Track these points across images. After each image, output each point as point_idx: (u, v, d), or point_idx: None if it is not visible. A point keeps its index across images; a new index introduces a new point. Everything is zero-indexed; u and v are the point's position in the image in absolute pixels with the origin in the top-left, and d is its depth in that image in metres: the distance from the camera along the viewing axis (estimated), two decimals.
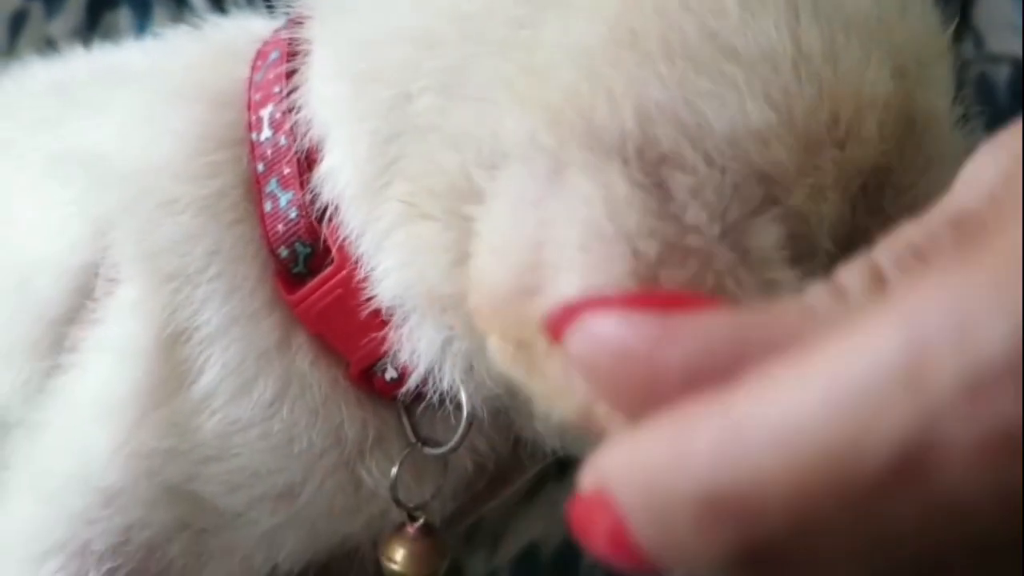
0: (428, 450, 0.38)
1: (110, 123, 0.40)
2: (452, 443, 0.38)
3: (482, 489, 0.42)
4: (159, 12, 0.67)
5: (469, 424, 0.37)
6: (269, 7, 0.59)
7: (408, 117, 0.33)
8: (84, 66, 0.51)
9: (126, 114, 0.40)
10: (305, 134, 0.36)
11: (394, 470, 0.38)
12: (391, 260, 0.35)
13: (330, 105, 0.36)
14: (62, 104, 0.45)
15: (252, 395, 0.37)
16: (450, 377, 0.36)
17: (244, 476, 0.38)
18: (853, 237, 0.31)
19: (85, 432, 0.38)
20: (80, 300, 0.40)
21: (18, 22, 0.68)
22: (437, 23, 0.33)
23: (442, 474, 0.40)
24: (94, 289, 0.40)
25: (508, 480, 0.43)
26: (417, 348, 0.36)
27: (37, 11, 0.68)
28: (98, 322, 0.39)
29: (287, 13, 0.42)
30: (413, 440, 0.38)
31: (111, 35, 0.67)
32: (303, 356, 0.38)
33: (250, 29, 0.43)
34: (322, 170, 0.36)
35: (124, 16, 0.68)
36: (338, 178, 0.36)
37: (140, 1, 0.67)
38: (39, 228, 0.41)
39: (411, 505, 0.39)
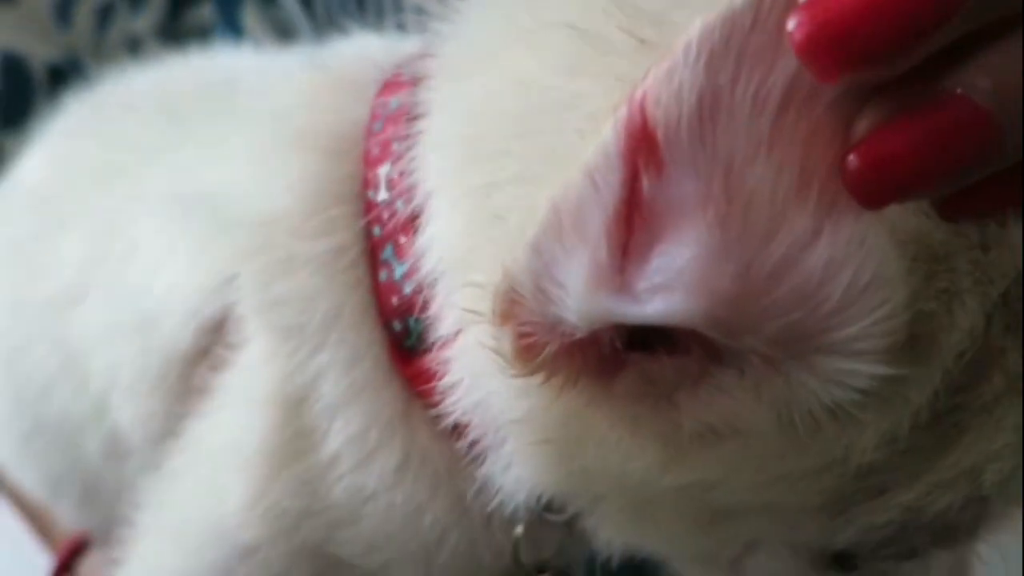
0: (549, 516, 0.37)
1: (228, 165, 0.40)
2: (568, 514, 0.36)
3: None
4: (250, 6, 0.66)
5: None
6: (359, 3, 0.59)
7: (490, 208, 0.30)
8: (189, 80, 0.50)
9: (243, 158, 0.39)
10: (413, 199, 0.35)
11: (517, 531, 0.38)
12: (457, 374, 0.32)
13: (435, 176, 0.34)
14: (174, 131, 0.45)
15: (375, 465, 0.36)
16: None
17: (378, 540, 0.38)
18: (983, 358, 0.28)
19: (220, 482, 0.39)
20: (208, 343, 0.40)
21: (105, 16, 0.68)
22: (533, 110, 0.30)
23: (567, 534, 0.39)
24: (226, 334, 0.40)
25: None
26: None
27: (123, 6, 0.68)
28: (230, 369, 0.39)
29: (404, 31, 0.40)
30: (533, 507, 0.37)
31: (196, 32, 0.68)
32: (423, 428, 0.37)
33: (371, 58, 0.41)
34: (423, 240, 0.34)
35: (209, 11, 0.68)
36: (435, 251, 0.33)
37: None
38: (164, 270, 0.42)
39: (531, 564, 0.39)
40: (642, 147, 0.22)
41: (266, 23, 0.65)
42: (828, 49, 0.20)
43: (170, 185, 0.42)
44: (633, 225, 0.23)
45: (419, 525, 0.37)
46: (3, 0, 0.67)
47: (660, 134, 0.22)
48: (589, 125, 0.26)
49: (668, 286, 0.24)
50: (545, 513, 0.37)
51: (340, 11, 0.60)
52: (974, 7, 0.21)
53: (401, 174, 0.36)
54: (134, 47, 0.68)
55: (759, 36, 0.21)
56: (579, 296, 0.24)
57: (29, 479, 0.54)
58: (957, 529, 0.32)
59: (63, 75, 0.67)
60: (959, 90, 0.21)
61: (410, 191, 0.35)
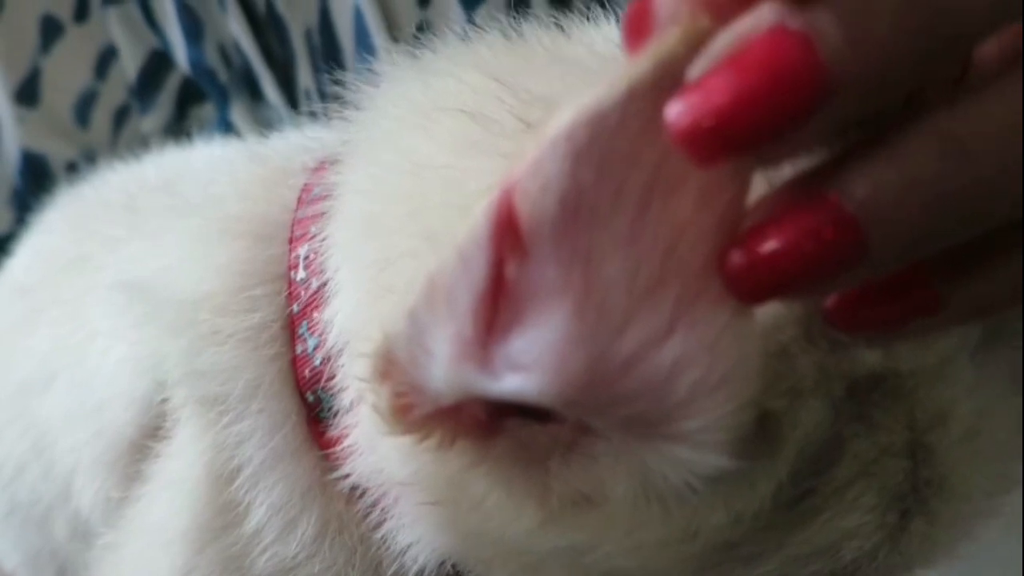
0: None
1: (165, 253, 0.42)
2: None
3: None
4: (237, 106, 0.69)
5: None
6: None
7: (382, 283, 0.32)
8: (153, 174, 0.53)
9: (178, 246, 0.41)
10: (323, 276, 0.37)
11: None
12: (355, 439, 0.34)
13: (339, 254, 0.36)
14: (129, 222, 0.48)
15: (296, 533, 0.37)
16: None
17: None
18: (833, 447, 0.28)
19: (150, 558, 0.40)
20: (150, 428, 0.42)
21: (120, 117, 0.71)
22: (424, 189, 0.32)
23: None
24: (164, 421, 0.41)
25: None
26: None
27: (136, 106, 0.71)
28: (166, 456, 0.40)
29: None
30: (449, 570, 0.37)
31: (196, 128, 0.69)
32: (339, 495, 0.37)
33: (304, 148, 0.43)
34: (328, 314, 0.36)
35: (210, 110, 0.70)
36: (337, 324, 0.35)
37: (221, 97, 0.69)
38: (109, 356, 0.44)
39: None
40: (507, 234, 0.23)
41: (252, 120, 0.68)
42: (708, 134, 0.21)
43: (119, 274, 0.44)
44: (498, 305, 0.24)
45: None
46: (26, 103, 0.70)
47: (524, 224, 0.23)
48: (473, 201, 0.27)
49: (524, 366, 0.24)
50: None
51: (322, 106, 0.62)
52: (853, 104, 0.21)
53: (314, 253, 0.38)
54: (143, 144, 0.71)
55: (624, 135, 0.22)
56: (444, 366, 0.25)
57: (12, 560, 0.55)
58: None
59: (78, 170, 0.70)
60: (832, 194, 0.22)
61: (322, 269, 0.37)
